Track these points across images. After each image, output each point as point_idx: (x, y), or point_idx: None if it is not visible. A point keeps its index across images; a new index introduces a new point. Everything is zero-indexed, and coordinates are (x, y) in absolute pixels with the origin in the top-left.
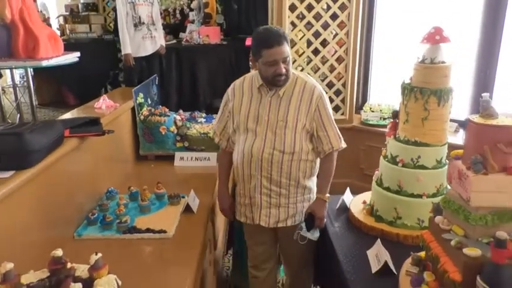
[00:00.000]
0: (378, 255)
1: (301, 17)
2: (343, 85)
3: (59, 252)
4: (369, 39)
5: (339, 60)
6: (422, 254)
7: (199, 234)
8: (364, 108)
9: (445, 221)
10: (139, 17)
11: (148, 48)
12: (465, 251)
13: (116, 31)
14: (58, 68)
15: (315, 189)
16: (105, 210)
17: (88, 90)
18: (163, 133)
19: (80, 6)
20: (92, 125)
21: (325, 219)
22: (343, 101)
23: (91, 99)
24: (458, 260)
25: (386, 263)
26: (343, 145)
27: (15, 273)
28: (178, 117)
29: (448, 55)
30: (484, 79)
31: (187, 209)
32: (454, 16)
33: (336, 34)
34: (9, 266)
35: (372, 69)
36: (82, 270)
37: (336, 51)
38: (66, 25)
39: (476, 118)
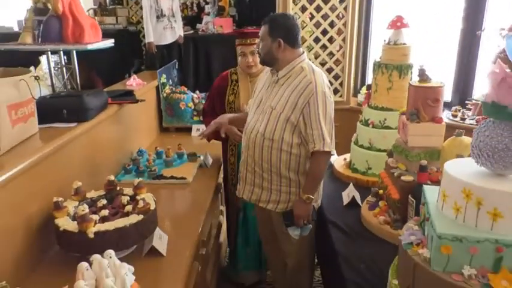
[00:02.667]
0: (348, 194)
1: (304, 9)
2: (341, 70)
3: (111, 177)
4: (367, 27)
5: (338, 47)
6: (381, 191)
7: (211, 183)
8: (361, 91)
9: (394, 161)
10: (161, 10)
11: (168, 37)
12: (402, 178)
13: (138, 23)
14: (89, 56)
15: None
16: (137, 163)
17: (114, 76)
18: (182, 108)
19: (107, 0)
20: (127, 96)
21: (304, 220)
22: (341, 84)
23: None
24: (398, 185)
25: (354, 197)
26: (326, 149)
27: (83, 189)
28: (195, 95)
29: (408, 38)
30: (466, 64)
31: (201, 165)
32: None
33: (335, 24)
34: (79, 183)
35: (370, 55)
36: (128, 190)
37: (334, 40)
38: (96, 17)
39: (414, 82)
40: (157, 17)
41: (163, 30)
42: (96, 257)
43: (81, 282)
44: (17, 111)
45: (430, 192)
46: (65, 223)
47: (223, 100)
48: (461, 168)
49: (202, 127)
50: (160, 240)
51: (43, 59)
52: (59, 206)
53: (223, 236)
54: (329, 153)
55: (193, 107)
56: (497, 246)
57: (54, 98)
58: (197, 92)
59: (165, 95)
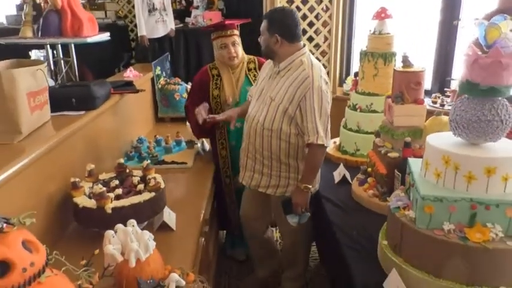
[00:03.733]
0: (339, 173)
1: (291, 2)
2: (327, 61)
3: (121, 160)
4: (351, 19)
5: (324, 39)
6: (369, 168)
7: (210, 166)
8: (346, 81)
9: (381, 140)
10: (153, 4)
11: (160, 30)
12: (389, 154)
13: (126, 17)
14: (79, 50)
15: None
16: (139, 150)
17: (104, 69)
18: (177, 99)
19: None
20: (128, 86)
21: (302, 208)
22: (327, 74)
23: (107, 77)
24: (385, 161)
25: (344, 176)
26: (320, 142)
27: (95, 171)
28: (188, 86)
29: (392, 28)
30: (445, 54)
31: (199, 152)
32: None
33: (321, 17)
34: (92, 166)
35: (354, 45)
36: (137, 172)
37: (320, 32)
38: None
39: (398, 68)
40: (149, 11)
41: (155, 23)
42: (119, 226)
43: (109, 246)
44: (34, 98)
45: (414, 163)
46: (84, 201)
47: (206, 95)
48: (441, 140)
49: None
50: (169, 216)
51: (32, 53)
52: (77, 185)
53: None
54: (323, 146)
55: (187, 97)
56: (471, 204)
57: (63, 88)
58: (189, 83)
59: (160, 86)
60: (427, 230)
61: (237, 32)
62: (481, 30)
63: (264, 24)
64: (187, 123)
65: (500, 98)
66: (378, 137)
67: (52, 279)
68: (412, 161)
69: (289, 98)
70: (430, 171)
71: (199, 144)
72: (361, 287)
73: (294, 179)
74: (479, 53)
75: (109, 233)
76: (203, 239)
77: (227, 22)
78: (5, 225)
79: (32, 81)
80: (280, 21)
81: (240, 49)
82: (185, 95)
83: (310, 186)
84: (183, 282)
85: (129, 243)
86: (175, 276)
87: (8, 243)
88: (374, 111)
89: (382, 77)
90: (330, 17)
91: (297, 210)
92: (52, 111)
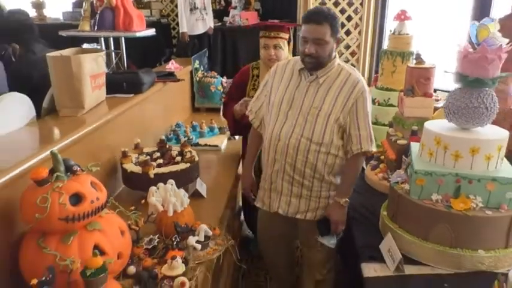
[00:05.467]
0: None
1: (323, 4)
2: (357, 60)
3: (163, 137)
4: (382, 21)
5: (353, 39)
6: (382, 156)
7: (238, 151)
8: None
9: (393, 130)
10: (194, 3)
11: (200, 28)
12: (398, 142)
13: (168, 15)
14: (126, 45)
15: None
16: (177, 133)
17: (147, 63)
18: (212, 91)
19: None
20: (170, 76)
21: (343, 226)
22: None
23: None
24: (394, 148)
25: None
26: (373, 149)
27: (141, 145)
28: (223, 80)
29: (411, 29)
30: None
31: (230, 138)
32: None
33: (352, 18)
34: (138, 140)
35: (384, 47)
36: (175, 148)
37: (351, 33)
38: None
39: (411, 64)
40: (191, 10)
41: (195, 21)
42: (160, 184)
43: (153, 198)
44: (95, 80)
45: (414, 147)
46: (131, 167)
47: (244, 95)
48: (436, 125)
49: None
50: (201, 186)
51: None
52: (126, 154)
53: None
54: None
55: (222, 90)
56: (457, 178)
57: (116, 74)
58: (225, 77)
59: (197, 78)
60: (419, 200)
61: (284, 35)
62: (472, 30)
63: (324, 31)
64: (222, 117)
65: (487, 89)
66: (391, 127)
67: (109, 215)
68: (413, 144)
69: (341, 106)
70: (424, 151)
71: None
72: (361, 247)
73: (332, 197)
74: (470, 49)
75: (152, 188)
76: (229, 211)
77: (272, 23)
78: (78, 168)
79: (94, 66)
80: (337, 21)
81: (282, 53)
82: (220, 88)
83: (348, 200)
84: (210, 233)
85: (168, 197)
86: (204, 226)
87: (80, 182)
88: (391, 105)
89: (400, 74)
90: (360, 18)
91: (337, 229)
92: (107, 93)
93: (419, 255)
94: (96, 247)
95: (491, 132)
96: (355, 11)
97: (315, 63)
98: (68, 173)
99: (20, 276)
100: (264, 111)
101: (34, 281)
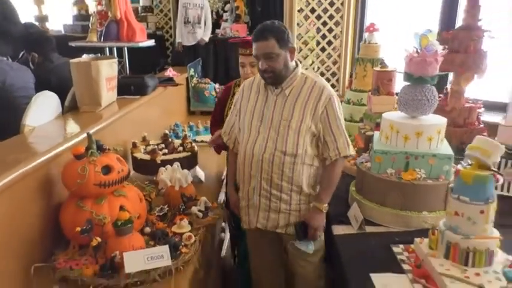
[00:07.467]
0: None
1: (307, 18)
2: (338, 69)
3: (167, 131)
4: (361, 31)
5: (335, 49)
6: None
7: None
8: None
9: (363, 125)
10: (188, 18)
11: (190, 40)
12: (366, 133)
13: (162, 28)
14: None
15: None
16: (176, 132)
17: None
18: (206, 95)
19: (139, 8)
20: (169, 81)
21: (320, 232)
22: (337, 80)
23: None
24: (363, 138)
25: None
26: (352, 152)
27: (147, 138)
28: (216, 86)
29: (379, 38)
30: None
31: None
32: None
33: (333, 30)
34: (145, 133)
35: None
36: (177, 141)
37: (332, 43)
38: None
39: (377, 68)
40: (185, 23)
41: (187, 34)
42: (168, 166)
43: (162, 175)
44: (110, 82)
45: (377, 134)
46: (141, 155)
47: (223, 112)
48: (392, 115)
49: None
50: (200, 172)
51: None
52: (136, 145)
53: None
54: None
55: (215, 95)
56: (406, 155)
57: (125, 78)
58: (217, 84)
59: (193, 84)
60: (377, 174)
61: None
62: (416, 39)
63: (271, 44)
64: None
65: (428, 85)
66: (361, 122)
67: (130, 186)
68: (376, 133)
69: (311, 113)
70: (382, 136)
71: None
72: (333, 215)
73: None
74: (415, 54)
75: (162, 168)
76: (223, 195)
77: (249, 39)
78: (106, 147)
79: (109, 70)
80: (285, 31)
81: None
82: (213, 93)
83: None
84: (210, 204)
85: (175, 175)
86: (204, 198)
87: (109, 157)
88: (363, 104)
89: (370, 78)
90: (341, 31)
91: (315, 235)
92: (117, 94)
93: (378, 218)
94: (121, 208)
95: (433, 119)
96: (336, 10)
97: (273, 77)
98: (99, 151)
99: (56, 230)
100: (236, 131)
101: (78, 229)
